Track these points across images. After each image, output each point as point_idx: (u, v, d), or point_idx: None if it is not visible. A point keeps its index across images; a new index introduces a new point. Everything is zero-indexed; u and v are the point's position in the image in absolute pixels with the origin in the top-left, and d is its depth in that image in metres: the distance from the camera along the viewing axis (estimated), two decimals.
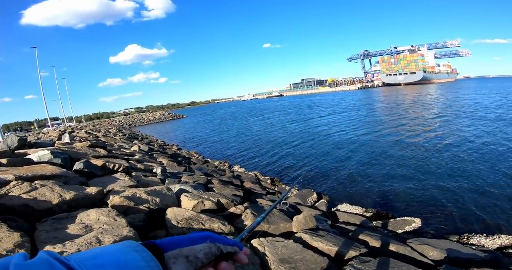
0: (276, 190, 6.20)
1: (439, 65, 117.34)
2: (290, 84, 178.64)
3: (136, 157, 7.40)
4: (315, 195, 5.62)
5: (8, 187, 2.65)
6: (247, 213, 3.10)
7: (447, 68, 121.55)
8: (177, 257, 0.45)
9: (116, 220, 2.30)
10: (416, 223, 4.21)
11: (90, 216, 2.36)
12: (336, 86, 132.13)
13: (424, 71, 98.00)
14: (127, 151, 8.89)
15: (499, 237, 3.64)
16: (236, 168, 9.03)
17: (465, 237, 3.80)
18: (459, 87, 50.16)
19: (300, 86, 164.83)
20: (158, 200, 3.04)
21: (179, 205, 3.21)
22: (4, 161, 3.85)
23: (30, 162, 4.06)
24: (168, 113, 71.32)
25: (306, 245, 2.51)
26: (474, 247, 3.41)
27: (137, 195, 3.02)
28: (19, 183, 2.73)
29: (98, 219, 2.30)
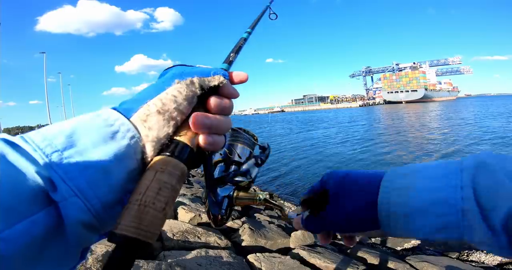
0: None
1: (440, 83, 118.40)
2: (292, 100, 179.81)
3: None
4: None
5: None
6: (244, 228, 3.06)
7: (448, 86, 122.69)
8: (147, 116, 0.33)
9: None
10: (416, 240, 4.13)
11: None
12: (338, 103, 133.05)
13: (426, 89, 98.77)
14: None
15: None
16: None
17: (465, 254, 3.71)
18: (459, 106, 50.27)
19: (302, 102, 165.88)
20: None
21: (175, 217, 3.18)
22: None
23: None
24: None
25: (304, 262, 2.46)
26: (474, 264, 3.33)
27: None
28: None
29: None
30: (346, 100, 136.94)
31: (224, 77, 0.38)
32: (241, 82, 0.42)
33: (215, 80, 0.37)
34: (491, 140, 12.37)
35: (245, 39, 0.54)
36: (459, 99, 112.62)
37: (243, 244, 2.79)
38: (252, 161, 0.49)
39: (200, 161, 0.38)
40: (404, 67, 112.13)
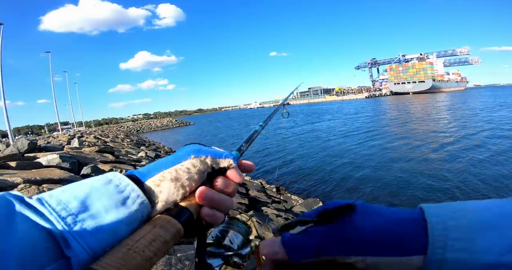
0: (282, 198, 6.15)
1: (448, 74, 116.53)
2: (297, 92, 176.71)
3: (143, 163, 7.46)
4: (321, 204, 5.55)
5: (16, 190, 2.68)
6: (252, 221, 3.08)
7: (456, 77, 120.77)
8: (160, 181, 0.38)
9: None
10: None
11: None
12: (344, 95, 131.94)
13: (434, 80, 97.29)
14: (134, 157, 8.97)
15: None
16: None
17: None
18: (468, 97, 49.38)
19: (307, 95, 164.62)
20: None
21: None
22: (13, 164, 3.92)
23: (39, 166, 4.13)
24: (176, 120, 71.97)
25: None
26: None
27: None
28: (27, 186, 2.77)
29: None
30: (352, 92, 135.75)
31: (233, 161, 0.44)
32: (248, 172, 0.49)
33: (225, 162, 0.43)
34: (492, 129, 12.29)
35: (257, 131, 0.63)
36: (468, 90, 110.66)
37: (251, 237, 2.81)
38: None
39: (197, 231, 0.41)
40: (411, 59, 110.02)
